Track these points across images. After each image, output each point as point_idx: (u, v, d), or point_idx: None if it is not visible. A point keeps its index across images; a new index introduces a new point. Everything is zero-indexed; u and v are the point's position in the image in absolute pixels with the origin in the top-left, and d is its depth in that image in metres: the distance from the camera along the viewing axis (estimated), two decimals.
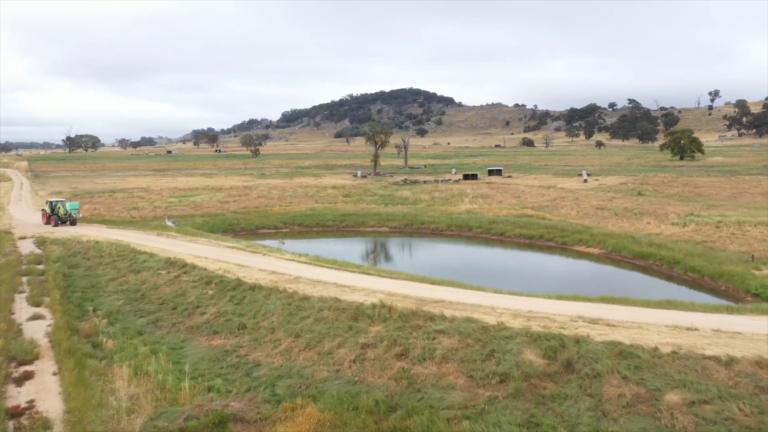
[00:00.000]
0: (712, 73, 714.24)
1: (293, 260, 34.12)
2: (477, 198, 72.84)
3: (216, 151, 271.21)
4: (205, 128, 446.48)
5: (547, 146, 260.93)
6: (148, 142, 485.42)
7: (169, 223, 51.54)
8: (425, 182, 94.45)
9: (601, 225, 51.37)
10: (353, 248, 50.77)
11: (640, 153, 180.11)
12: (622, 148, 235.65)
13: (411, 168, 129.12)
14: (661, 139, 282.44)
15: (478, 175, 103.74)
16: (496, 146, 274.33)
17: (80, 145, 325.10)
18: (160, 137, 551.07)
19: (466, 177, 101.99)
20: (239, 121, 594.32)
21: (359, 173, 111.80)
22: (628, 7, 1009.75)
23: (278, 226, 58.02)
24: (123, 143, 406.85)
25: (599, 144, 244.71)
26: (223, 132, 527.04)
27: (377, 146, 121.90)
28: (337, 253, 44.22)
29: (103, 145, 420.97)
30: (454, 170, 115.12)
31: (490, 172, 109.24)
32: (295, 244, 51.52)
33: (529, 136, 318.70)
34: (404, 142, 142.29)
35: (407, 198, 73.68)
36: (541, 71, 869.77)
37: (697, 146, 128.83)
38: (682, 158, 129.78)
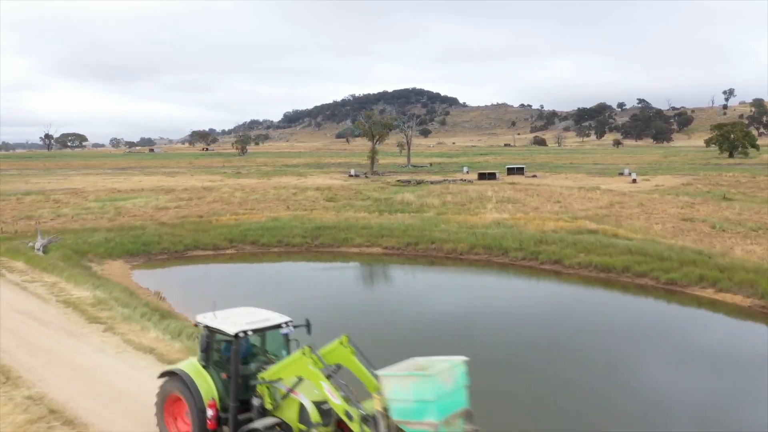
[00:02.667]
0: (713, 73, 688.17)
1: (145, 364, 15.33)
2: (503, 203, 54.13)
3: (203, 149, 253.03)
4: (207, 129, 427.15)
5: (559, 145, 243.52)
6: (147, 142, 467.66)
7: (38, 244, 33.06)
8: (432, 183, 75.62)
9: (717, 248, 32.48)
10: (311, 297, 28.53)
11: (672, 150, 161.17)
12: (638, 147, 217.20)
13: (414, 166, 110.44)
14: (677, 139, 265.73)
15: (497, 174, 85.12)
16: (506, 145, 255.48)
17: (66, 143, 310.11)
18: (161, 138, 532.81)
19: (482, 176, 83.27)
20: (241, 122, 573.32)
21: (353, 171, 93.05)
22: (627, 7, 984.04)
23: (220, 246, 39.20)
24: (114, 142, 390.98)
25: (617, 143, 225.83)
26: (224, 132, 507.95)
27: (375, 141, 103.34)
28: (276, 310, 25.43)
29: (103, 145, 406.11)
30: (466, 168, 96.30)
31: (510, 171, 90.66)
32: (229, 278, 32.61)
33: (538, 135, 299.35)
34: (407, 137, 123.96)
35: (410, 203, 54.87)
36: (543, 71, 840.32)
37: (751, 141, 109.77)
38: (731, 155, 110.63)
